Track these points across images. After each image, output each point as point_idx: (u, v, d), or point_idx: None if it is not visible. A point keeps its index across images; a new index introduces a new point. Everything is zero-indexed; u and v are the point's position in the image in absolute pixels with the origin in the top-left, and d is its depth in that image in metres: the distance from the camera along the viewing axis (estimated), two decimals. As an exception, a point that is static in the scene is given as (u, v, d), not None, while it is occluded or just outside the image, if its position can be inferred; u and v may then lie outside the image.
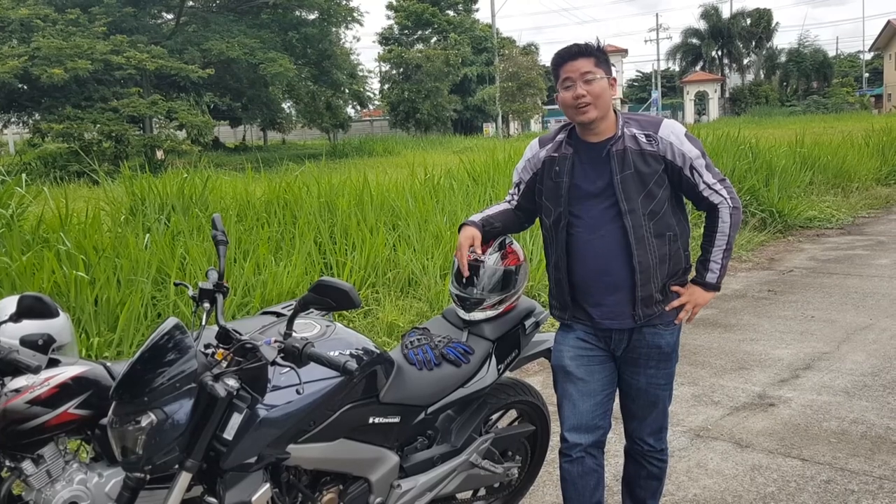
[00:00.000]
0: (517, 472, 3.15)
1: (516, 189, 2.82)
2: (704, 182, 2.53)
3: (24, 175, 6.78)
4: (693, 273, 2.67)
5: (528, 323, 2.99)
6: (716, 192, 2.54)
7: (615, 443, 3.64)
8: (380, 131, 46.44)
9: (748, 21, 56.65)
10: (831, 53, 62.19)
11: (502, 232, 2.88)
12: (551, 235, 2.66)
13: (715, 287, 2.63)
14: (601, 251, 2.54)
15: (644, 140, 2.50)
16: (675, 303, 2.61)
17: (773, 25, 57.05)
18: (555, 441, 3.39)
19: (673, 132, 2.52)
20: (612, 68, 2.58)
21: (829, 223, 10.84)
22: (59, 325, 2.53)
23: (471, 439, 2.90)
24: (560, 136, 2.66)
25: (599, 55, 2.49)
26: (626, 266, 2.52)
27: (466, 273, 2.76)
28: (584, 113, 2.47)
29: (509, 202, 2.87)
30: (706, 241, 2.62)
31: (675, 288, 2.61)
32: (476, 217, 2.83)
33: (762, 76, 58.84)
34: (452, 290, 2.91)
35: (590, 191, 2.54)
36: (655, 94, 51.41)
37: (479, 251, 2.76)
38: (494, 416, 3.14)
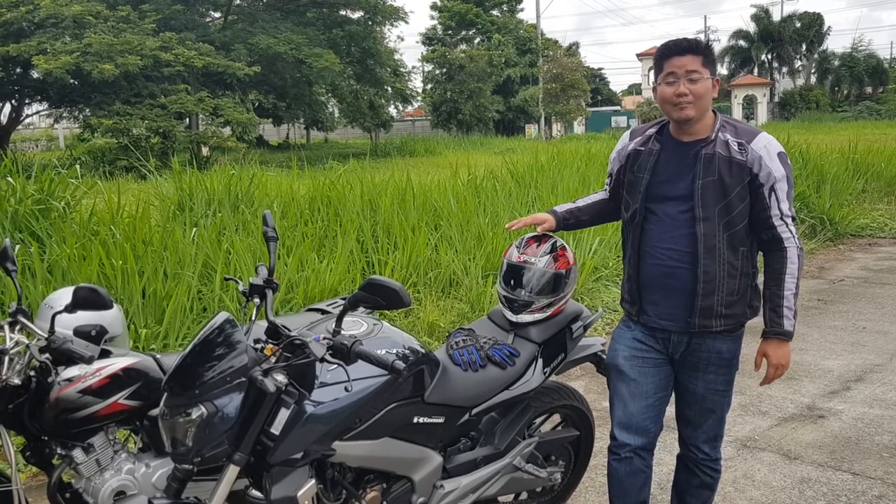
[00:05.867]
0: (560, 476, 3.11)
1: (609, 178, 2.81)
2: (779, 209, 2.40)
3: (77, 167, 6.91)
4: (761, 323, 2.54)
5: (574, 326, 2.96)
6: (786, 226, 2.41)
7: (659, 451, 3.57)
8: (421, 131, 46.47)
9: (799, 24, 55.37)
10: (886, 57, 60.35)
11: (589, 224, 3.00)
12: (627, 230, 2.64)
13: (791, 336, 2.46)
14: (670, 253, 2.49)
15: (736, 148, 2.40)
16: (765, 373, 2.53)
17: (824, 29, 55.71)
18: (598, 447, 3.35)
19: (767, 146, 2.41)
20: (716, 68, 2.49)
21: (882, 232, 10.54)
22: (111, 317, 2.57)
23: (514, 442, 2.87)
24: (650, 131, 2.60)
25: (707, 53, 2.41)
26: (691, 273, 2.46)
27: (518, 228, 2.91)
28: (683, 110, 2.40)
29: (606, 191, 2.87)
30: (774, 284, 2.44)
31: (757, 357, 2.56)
32: (562, 208, 2.92)
33: (813, 81, 57.48)
34: (500, 291, 2.90)
35: (669, 191, 2.49)
36: (702, 98, 50.48)
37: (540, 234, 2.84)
38: (538, 420, 3.12)
